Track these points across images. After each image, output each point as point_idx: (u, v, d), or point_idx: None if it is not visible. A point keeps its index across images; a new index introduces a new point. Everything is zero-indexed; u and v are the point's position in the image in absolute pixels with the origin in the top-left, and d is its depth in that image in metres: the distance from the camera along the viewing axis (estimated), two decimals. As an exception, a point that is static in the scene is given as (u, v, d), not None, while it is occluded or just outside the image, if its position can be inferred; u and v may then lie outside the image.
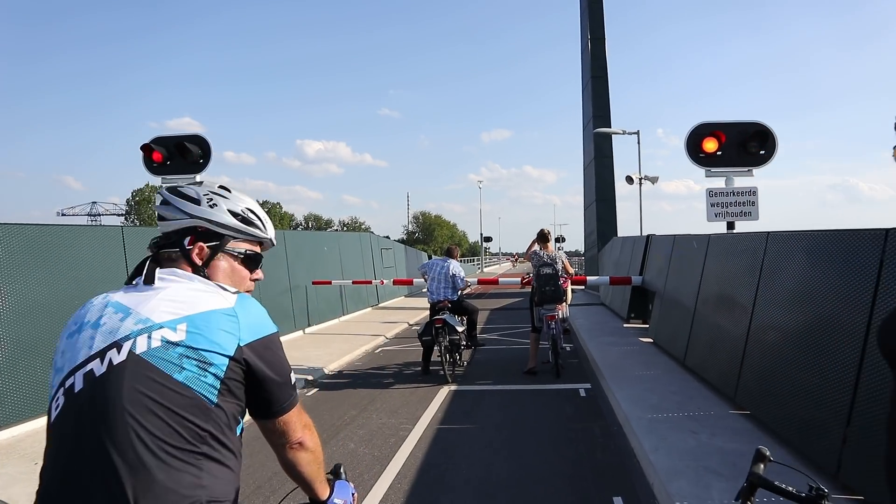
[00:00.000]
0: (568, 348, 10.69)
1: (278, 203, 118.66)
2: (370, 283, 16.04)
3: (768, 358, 5.96)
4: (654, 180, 18.98)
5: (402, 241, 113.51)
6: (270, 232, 1.86)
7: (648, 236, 13.48)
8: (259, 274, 1.88)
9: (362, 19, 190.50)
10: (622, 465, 5.49)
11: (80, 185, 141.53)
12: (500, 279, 12.95)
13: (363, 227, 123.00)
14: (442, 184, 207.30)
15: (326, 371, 10.18)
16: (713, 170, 8.87)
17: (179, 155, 9.90)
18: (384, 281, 15.66)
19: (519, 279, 13.16)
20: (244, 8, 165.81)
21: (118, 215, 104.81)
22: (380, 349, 12.47)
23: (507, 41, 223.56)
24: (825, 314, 4.93)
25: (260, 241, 1.85)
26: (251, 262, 1.83)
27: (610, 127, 25.72)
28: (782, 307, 5.83)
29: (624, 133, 19.24)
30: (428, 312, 9.92)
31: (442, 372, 9.02)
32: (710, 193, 8.92)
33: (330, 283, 14.76)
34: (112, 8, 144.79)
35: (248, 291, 1.79)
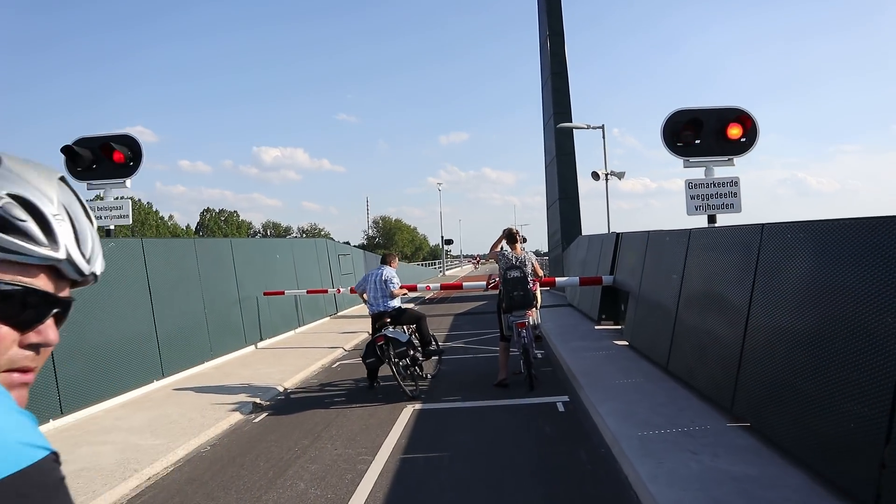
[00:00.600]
0: (539, 355, 9.95)
1: (235, 211, 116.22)
2: (326, 292, 15.08)
3: (774, 365, 5.26)
4: (620, 176, 18.45)
5: (362, 247, 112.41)
6: (76, 251, 0.88)
7: (618, 234, 12.85)
8: (48, 335, 0.87)
9: (316, 21, 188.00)
10: (619, 500, 4.72)
11: None
12: (463, 283, 12.16)
13: (322, 233, 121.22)
14: (401, 188, 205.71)
15: (279, 390, 9.25)
16: (692, 160, 8.23)
17: (106, 157, 8.88)
18: (341, 290, 14.75)
19: (484, 283, 12.41)
20: (192, 8, 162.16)
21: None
22: (338, 363, 11.56)
23: (464, 42, 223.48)
24: (849, 314, 4.24)
25: (47, 267, 0.86)
26: (16, 308, 0.83)
27: (571, 120, 25.22)
28: (788, 307, 5.14)
29: (588, 128, 18.69)
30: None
31: (400, 389, 8.23)
32: (690, 185, 8.29)
33: (283, 293, 13.79)
34: (53, 9, 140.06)
35: (19, 375, 0.86)
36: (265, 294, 13.56)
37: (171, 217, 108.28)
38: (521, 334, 7.96)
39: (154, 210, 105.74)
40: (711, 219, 8.29)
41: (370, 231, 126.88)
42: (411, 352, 8.50)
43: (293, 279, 15.87)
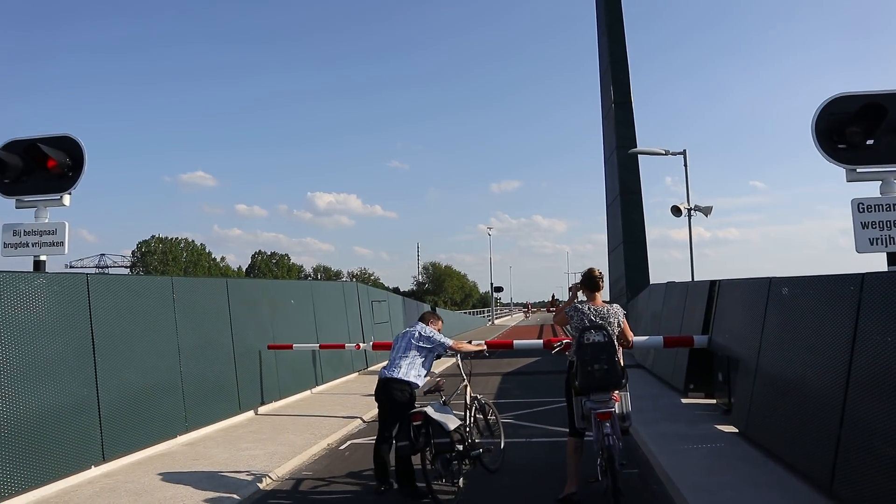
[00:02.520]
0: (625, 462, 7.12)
1: (286, 254, 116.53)
2: (343, 347, 12.53)
3: None
4: (707, 211, 15.59)
5: (411, 293, 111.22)
6: None
7: (715, 282, 9.99)
8: None
9: (376, 79, 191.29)
10: None
11: (93, 237, 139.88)
12: (514, 342, 9.51)
13: (372, 277, 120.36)
14: (451, 234, 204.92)
15: (257, 487, 6.67)
16: (861, 169, 5.47)
17: (36, 165, 6.64)
18: (361, 345, 12.23)
19: (540, 341, 9.68)
20: (256, 72, 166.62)
21: (125, 267, 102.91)
22: (349, 442, 8.92)
23: (519, 99, 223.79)
24: None
25: None
26: None
27: (636, 159, 22.53)
28: None
29: (667, 154, 15.94)
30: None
31: (429, 497, 5.66)
32: (860, 207, 5.50)
33: (291, 347, 11.31)
34: (119, 52, 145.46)
35: None
36: (270, 347, 11.11)
37: (223, 259, 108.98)
38: (605, 431, 5.20)
39: (207, 252, 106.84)
40: (894, 258, 5.49)
41: (420, 277, 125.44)
42: (460, 446, 6.01)
43: (311, 329, 13.41)
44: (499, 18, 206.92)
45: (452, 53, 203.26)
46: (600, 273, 5.92)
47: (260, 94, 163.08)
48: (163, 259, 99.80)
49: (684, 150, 15.70)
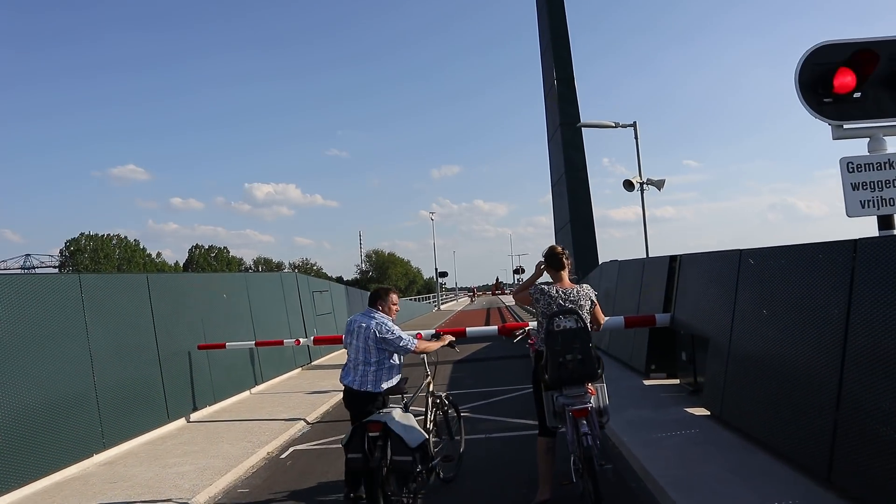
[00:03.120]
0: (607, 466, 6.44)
1: (225, 247, 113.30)
2: (281, 343, 11.58)
3: None
4: (660, 185, 15.19)
5: (355, 281, 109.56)
6: None
7: (675, 257, 9.51)
8: None
9: (308, 61, 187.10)
10: None
11: (17, 237, 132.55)
12: (467, 329, 8.83)
13: (315, 268, 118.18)
14: (394, 221, 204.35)
15: (185, 512, 5.81)
16: (849, 125, 4.94)
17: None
18: (300, 341, 11.30)
19: (494, 327, 9.04)
20: (188, 54, 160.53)
21: (53, 267, 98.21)
22: (292, 448, 8.08)
23: (453, 76, 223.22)
24: None
25: None
26: None
27: (581, 134, 22.14)
28: None
29: (616, 126, 15.44)
30: None
31: None
32: (850, 167, 4.97)
33: (223, 346, 10.34)
34: (50, 46, 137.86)
35: None
36: (200, 347, 10.11)
37: (158, 255, 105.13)
38: (582, 430, 4.54)
39: (141, 248, 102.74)
40: (886, 221, 4.99)
41: (363, 265, 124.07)
42: (419, 466, 5.15)
43: (248, 325, 12.44)
44: (437, 21, 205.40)
45: (390, 34, 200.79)
46: (563, 250, 5.26)
47: (191, 80, 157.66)
48: (94, 257, 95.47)
49: (634, 123, 15.26)
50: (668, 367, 9.95)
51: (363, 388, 5.22)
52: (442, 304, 63.12)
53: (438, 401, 6.11)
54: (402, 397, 5.56)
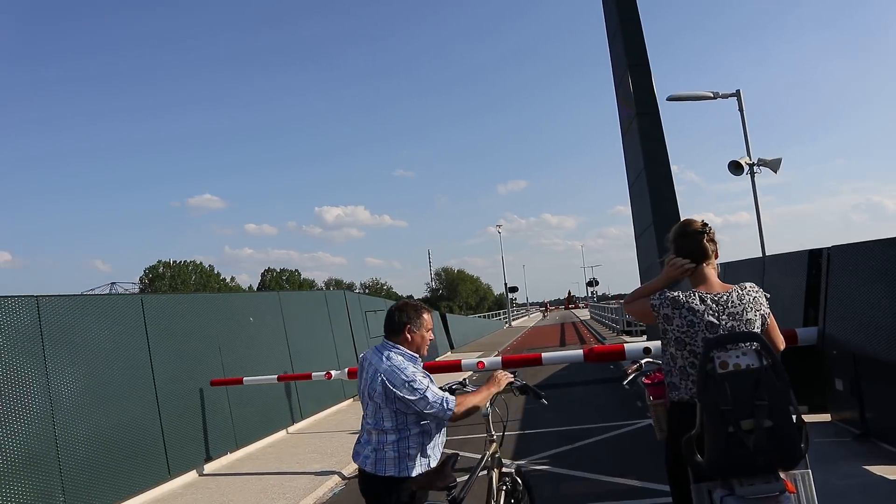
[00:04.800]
0: None
1: (296, 270, 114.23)
2: (309, 377, 9.53)
3: None
4: (775, 165, 12.57)
5: (426, 300, 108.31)
6: None
7: (820, 251, 7.09)
8: None
9: (367, 81, 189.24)
10: None
11: (107, 266, 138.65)
12: (543, 356, 6.71)
13: (385, 287, 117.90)
14: (462, 239, 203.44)
15: None
16: None
17: None
18: (332, 374, 9.31)
19: (580, 351, 6.82)
20: (255, 98, 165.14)
21: (135, 294, 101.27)
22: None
23: (512, 87, 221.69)
24: None
25: None
26: None
27: (660, 125, 19.64)
28: None
29: (716, 97, 12.91)
30: None
31: None
32: None
33: (240, 381, 8.49)
34: (119, 87, 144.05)
35: None
36: (214, 384, 8.30)
37: (233, 279, 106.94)
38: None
39: (216, 273, 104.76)
40: None
41: (433, 283, 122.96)
42: None
43: (283, 353, 10.62)
44: (490, 30, 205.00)
45: (449, 64, 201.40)
46: (704, 225, 3.08)
47: (265, 116, 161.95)
48: (172, 283, 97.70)
49: (738, 91, 12.76)
50: (811, 397, 7.49)
51: (380, 472, 3.17)
52: (513, 320, 60.70)
53: (508, 481, 3.95)
54: (448, 480, 3.36)
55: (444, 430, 3.37)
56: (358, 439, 3.35)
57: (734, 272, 10.79)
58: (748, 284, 2.89)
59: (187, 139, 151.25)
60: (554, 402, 11.22)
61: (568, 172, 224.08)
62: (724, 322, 2.72)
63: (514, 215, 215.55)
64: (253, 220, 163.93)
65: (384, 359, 3.22)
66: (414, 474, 3.17)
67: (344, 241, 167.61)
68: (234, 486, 7.24)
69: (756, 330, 2.75)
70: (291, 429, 10.38)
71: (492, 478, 3.75)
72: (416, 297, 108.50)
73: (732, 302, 2.77)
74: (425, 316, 3.38)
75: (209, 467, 8.08)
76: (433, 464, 3.22)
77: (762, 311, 2.84)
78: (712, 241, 2.94)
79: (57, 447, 5.86)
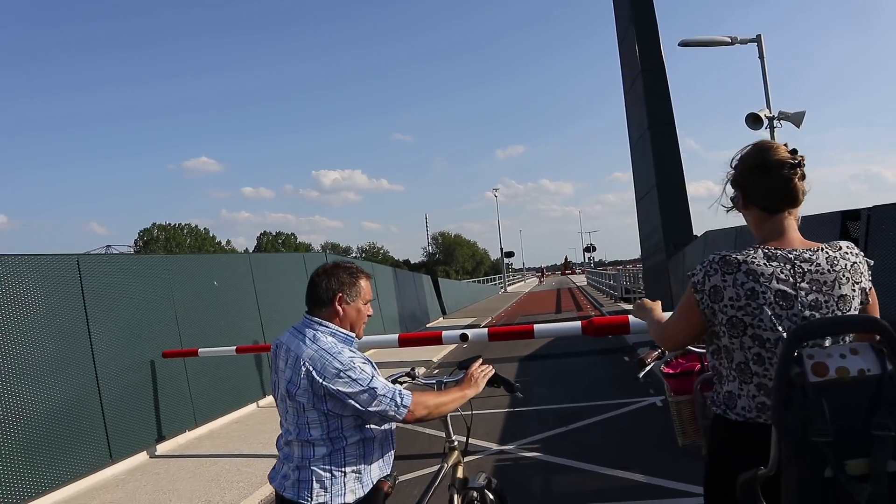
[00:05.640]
0: None
1: (292, 233, 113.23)
2: (267, 349, 8.71)
3: None
4: (797, 119, 11.49)
5: (422, 264, 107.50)
6: None
7: (862, 212, 6.15)
8: None
9: (365, 48, 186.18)
10: None
11: (103, 229, 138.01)
12: (535, 328, 5.83)
13: (381, 251, 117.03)
14: (459, 204, 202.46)
15: None
16: None
17: None
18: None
19: (577, 324, 5.92)
20: (251, 62, 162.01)
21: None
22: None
23: (512, 53, 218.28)
24: None
25: None
26: None
27: (666, 82, 18.57)
28: None
29: (733, 42, 11.79)
30: None
31: None
32: None
33: (195, 353, 7.58)
34: (118, 51, 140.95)
35: None
36: (166, 355, 7.40)
37: (228, 242, 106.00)
38: None
39: (211, 236, 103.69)
40: None
41: (430, 248, 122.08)
42: None
43: (254, 322, 9.73)
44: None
45: (450, 29, 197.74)
46: (794, 153, 2.03)
47: (261, 80, 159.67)
48: (166, 246, 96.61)
49: (758, 36, 11.63)
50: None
51: (304, 500, 2.27)
52: (509, 285, 60.01)
53: (477, 499, 3.03)
54: None
55: (392, 440, 2.47)
56: (276, 465, 2.45)
57: (713, 242, 9.93)
58: (843, 243, 1.92)
59: (185, 102, 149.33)
60: (547, 375, 10.45)
61: (567, 138, 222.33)
62: (803, 293, 1.79)
63: (513, 181, 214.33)
64: (250, 184, 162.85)
65: (308, 341, 2.31)
66: (350, 501, 2.29)
67: (341, 204, 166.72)
68: (185, 472, 6.39)
69: (854, 311, 1.83)
70: (263, 402, 9.54)
71: (452, 498, 2.85)
72: (412, 262, 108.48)
73: (819, 266, 1.84)
74: (363, 283, 2.49)
75: (162, 448, 7.23)
76: (360, 492, 2.33)
77: (863, 285, 1.90)
78: (804, 177, 1.93)
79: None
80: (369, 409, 2.25)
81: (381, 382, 2.29)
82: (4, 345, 5.56)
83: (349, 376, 2.23)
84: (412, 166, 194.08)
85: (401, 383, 2.87)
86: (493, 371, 2.89)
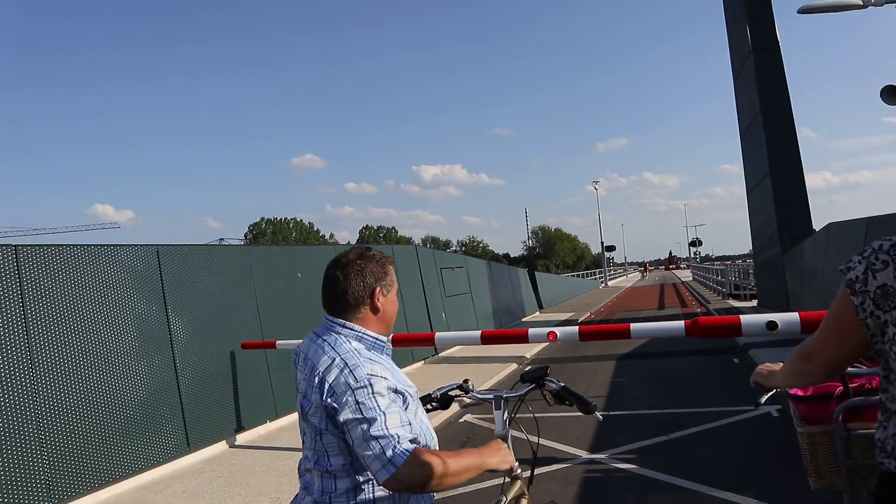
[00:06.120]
0: None
1: (393, 227, 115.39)
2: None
3: None
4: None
5: (521, 258, 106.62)
6: None
7: None
8: None
9: (467, 43, 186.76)
10: None
11: (217, 223, 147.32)
12: (632, 327, 5.22)
13: (481, 245, 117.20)
14: (560, 198, 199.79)
15: None
16: None
17: None
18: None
19: (681, 323, 5.24)
20: (344, 32, 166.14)
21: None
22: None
23: (615, 43, 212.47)
24: None
25: None
26: None
27: (780, 61, 17.10)
28: None
29: (866, 4, 10.50)
30: None
31: None
32: None
33: (273, 345, 7.39)
34: (227, 41, 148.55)
35: None
36: (245, 346, 7.28)
37: (331, 236, 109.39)
38: None
39: (315, 230, 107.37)
40: None
41: (530, 242, 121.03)
42: None
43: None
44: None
45: (551, 24, 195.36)
46: None
47: (364, 76, 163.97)
48: (273, 240, 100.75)
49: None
50: None
51: None
52: (609, 279, 58.29)
53: None
54: None
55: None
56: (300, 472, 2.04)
57: (839, 235, 8.87)
58: None
59: (290, 100, 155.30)
60: (646, 376, 9.69)
61: (671, 130, 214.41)
62: None
63: (614, 174, 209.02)
64: (353, 179, 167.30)
65: (327, 347, 1.86)
66: None
67: (441, 199, 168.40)
68: (260, 464, 6.22)
69: None
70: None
71: None
72: (512, 256, 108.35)
73: None
74: (391, 270, 2.03)
75: (242, 438, 7.14)
76: None
77: None
78: None
79: (39, 426, 4.97)
80: (358, 450, 1.71)
81: (391, 420, 1.70)
82: (88, 333, 5.57)
83: (356, 399, 1.71)
84: (512, 160, 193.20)
85: (446, 400, 2.43)
86: (563, 386, 2.39)
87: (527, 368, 2.46)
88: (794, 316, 5.09)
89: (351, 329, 1.91)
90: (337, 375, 1.76)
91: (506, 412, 2.41)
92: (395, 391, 1.77)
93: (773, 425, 6.20)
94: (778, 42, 17.39)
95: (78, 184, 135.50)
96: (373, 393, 1.72)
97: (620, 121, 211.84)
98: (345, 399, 1.72)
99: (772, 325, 5.38)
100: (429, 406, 2.46)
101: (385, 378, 1.77)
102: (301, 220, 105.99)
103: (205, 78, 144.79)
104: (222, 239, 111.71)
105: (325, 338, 1.90)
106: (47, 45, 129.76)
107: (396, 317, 2.03)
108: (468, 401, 2.55)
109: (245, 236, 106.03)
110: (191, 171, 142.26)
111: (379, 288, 1.94)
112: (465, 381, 2.58)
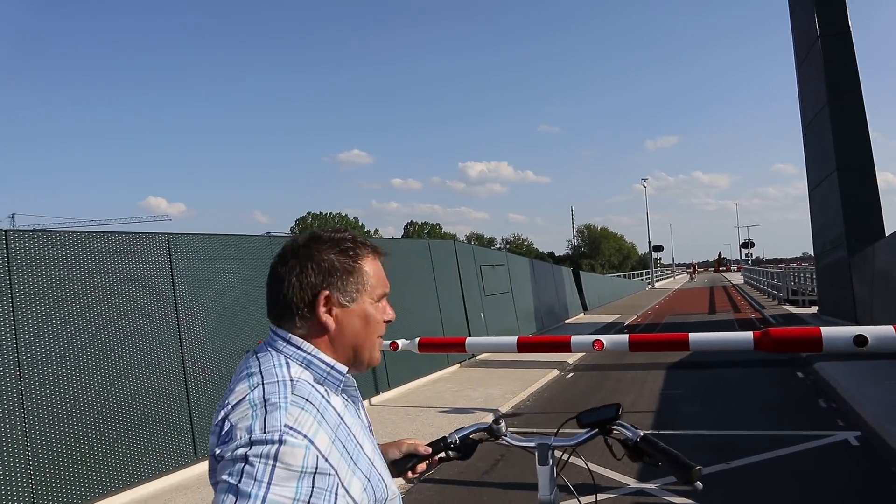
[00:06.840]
0: None
1: (437, 224, 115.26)
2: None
3: None
4: None
5: (566, 256, 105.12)
6: None
7: None
8: None
9: (517, 40, 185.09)
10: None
11: (266, 217, 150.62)
12: (690, 338, 4.48)
13: (526, 243, 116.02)
14: (606, 196, 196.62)
15: None
16: None
17: None
18: (399, 344, 7.24)
19: (748, 335, 4.46)
20: (392, 30, 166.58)
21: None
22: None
23: (669, 39, 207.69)
24: None
25: None
26: None
27: (852, 48, 15.90)
28: None
29: None
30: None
31: None
32: None
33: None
34: (274, 38, 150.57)
35: None
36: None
37: (376, 231, 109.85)
38: None
39: (360, 225, 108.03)
40: None
41: (575, 240, 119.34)
42: None
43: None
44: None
45: (605, 20, 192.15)
46: None
47: (410, 72, 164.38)
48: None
49: None
50: None
51: None
52: (656, 281, 56.66)
53: None
54: None
55: None
56: None
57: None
58: None
59: (338, 96, 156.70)
60: (699, 387, 8.89)
61: (724, 129, 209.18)
62: None
63: (663, 172, 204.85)
64: (399, 175, 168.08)
65: (254, 371, 1.19)
66: None
67: (487, 196, 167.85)
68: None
69: None
70: (375, 400, 8.81)
71: None
72: (556, 254, 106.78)
73: None
74: (368, 266, 1.31)
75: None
76: None
77: None
78: None
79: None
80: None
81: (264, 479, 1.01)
82: (84, 329, 5.10)
83: (246, 456, 1.03)
84: (559, 158, 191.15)
85: (469, 446, 1.79)
86: (643, 436, 1.72)
87: (583, 411, 1.75)
88: (888, 330, 4.29)
89: (298, 348, 1.24)
90: (244, 414, 1.09)
91: (554, 468, 1.74)
92: (316, 474, 1.07)
93: (854, 457, 5.36)
94: (849, 26, 16.20)
95: (133, 176, 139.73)
96: (273, 463, 1.03)
97: (672, 119, 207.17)
98: (235, 451, 1.04)
99: (860, 340, 4.60)
100: (443, 455, 1.80)
101: (310, 446, 1.08)
102: (346, 215, 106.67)
103: (257, 73, 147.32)
104: (269, 232, 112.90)
105: (260, 355, 1.25)
106: (122, 33, 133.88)
107: (381, 332, 1.34)
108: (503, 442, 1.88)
109: (291, 230, 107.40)
110: (243, 165, 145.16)
111: (328, 293, 1.25)
112: (497, 420, 1.89)
